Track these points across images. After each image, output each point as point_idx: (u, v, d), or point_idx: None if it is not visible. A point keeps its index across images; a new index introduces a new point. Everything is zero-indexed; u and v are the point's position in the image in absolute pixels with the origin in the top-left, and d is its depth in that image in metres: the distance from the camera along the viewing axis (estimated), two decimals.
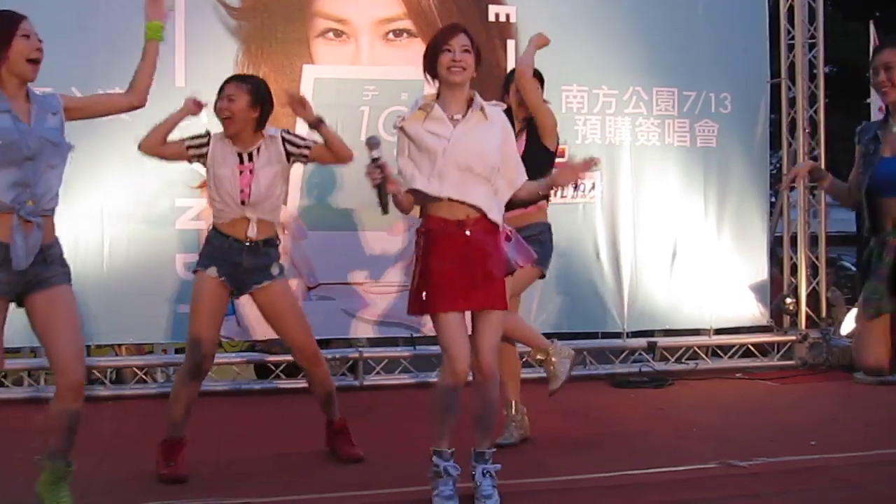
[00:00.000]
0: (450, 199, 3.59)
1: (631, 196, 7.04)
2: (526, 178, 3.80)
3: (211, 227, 4.46)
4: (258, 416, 5.89)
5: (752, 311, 7.44)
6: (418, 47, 6.62)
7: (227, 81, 4.50)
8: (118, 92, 3.80)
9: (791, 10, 7.56)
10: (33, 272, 3.37)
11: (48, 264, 3.45)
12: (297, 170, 6.42)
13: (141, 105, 3.84)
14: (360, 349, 6.76)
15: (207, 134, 4.42)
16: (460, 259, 3.58)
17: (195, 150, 4.40)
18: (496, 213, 3.68)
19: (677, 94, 7.15)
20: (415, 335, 6.67)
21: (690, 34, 7.18)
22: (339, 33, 6.56)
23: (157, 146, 4.41)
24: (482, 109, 3.68)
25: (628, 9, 7.05)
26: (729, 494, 4.04)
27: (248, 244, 4.34)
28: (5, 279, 3.30)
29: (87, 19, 6.17)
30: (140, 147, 4.41)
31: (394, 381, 6.69)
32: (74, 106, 3.67)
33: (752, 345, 7.50)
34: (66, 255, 6.02)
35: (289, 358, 6.50)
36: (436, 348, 6.64)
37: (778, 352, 7.56)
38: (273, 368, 6.63)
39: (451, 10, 6.73)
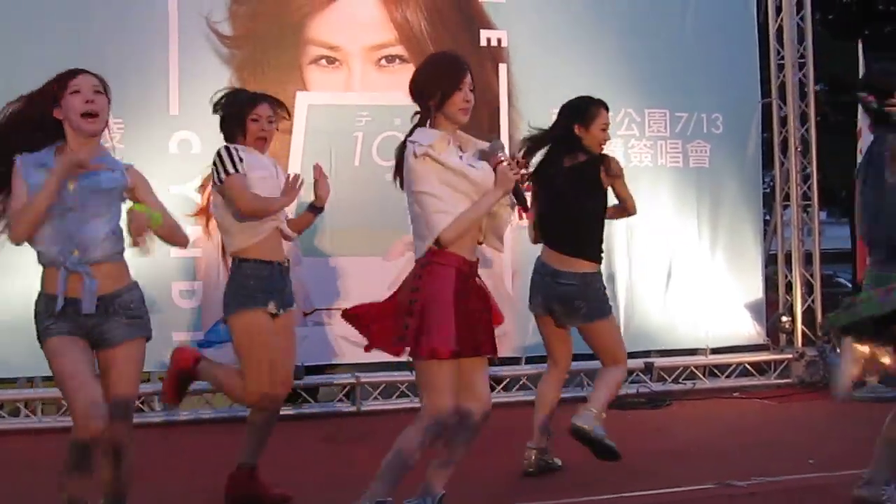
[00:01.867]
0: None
1: (624, 222, 7.05)
2: None
3: (241, 260, 4.28)
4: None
5: (748, 329, 7.45)
6: (410, 73, 6.66)
7: (258, 103, 4.45)
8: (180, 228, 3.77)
9: (780, 30, 7.63)
10: (92, 324, 3.31)
11: (109, 315, 3.37)
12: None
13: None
14: (358, 374, 6.75)
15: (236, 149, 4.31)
16: (480, 303, 3.46)
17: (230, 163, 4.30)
18: None
19: (669, 115, 7.20)
20: (411, 360, 6.64)
21: (681, 56, 7.23)
22: (331, 60, 6.60)
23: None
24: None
25: (618, 32, 7.10)
26: None
27: (286, 264, 4.33)
28: (66, 328, 3.27)
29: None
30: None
31: (392, 406, 6.67)
32: (140, 194, 3.57)
33: (749, 364, 7.50)
34: None
35: None
36: None
37: (775, 370, 7.57)
38: None
39: (443, 36, 6.77)
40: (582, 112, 4.87)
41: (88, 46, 6.15)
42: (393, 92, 6.62)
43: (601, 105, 4.91)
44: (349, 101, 6.58)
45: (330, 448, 5.65)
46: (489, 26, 6.89)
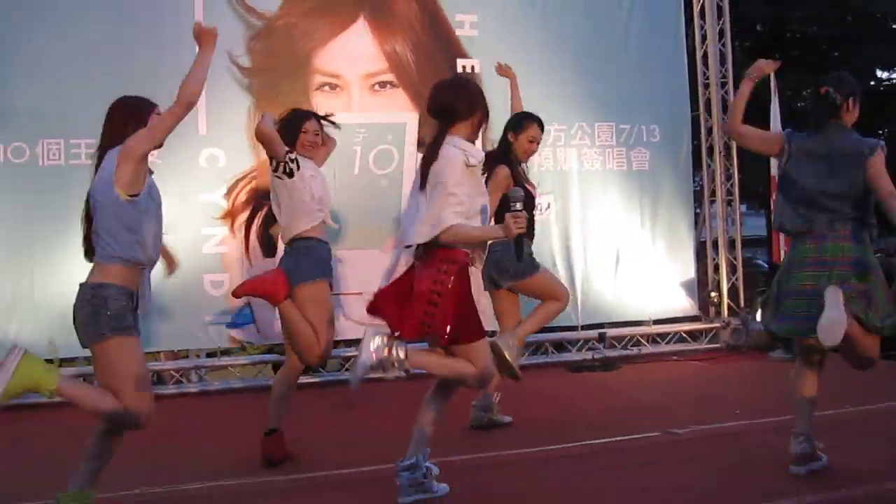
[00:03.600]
0: None
1: (580, 213, 7.08)
2: None
3: (302, 239, 4.16)
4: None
5: (683, 303, 7.48)
6: (399, 96, 6.68)
7: (308, 119, 4.46)
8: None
9: (706, 55, 7.63)
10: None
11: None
12: None
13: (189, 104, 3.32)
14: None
15: (293, 151, 4.22)
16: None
17: (291, 164, 4.14)
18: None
19: (615, 127, 7.19)
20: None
21: (625, 78, 7.23)
22: (333, 86, 6.57)
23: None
24: None
25: (572, 59, 7.09)
26: (670, 458, 4.06)
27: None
28: (133, 322, 3.09)
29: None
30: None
31: (390, 376, 6.63)
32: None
33: (685, 332, 7.53)
34: None
35: None
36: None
37: (706, 337, 7.60)
38: None
39: (426, 64, 6.75)
40: (516, 123, 4.81)
41: (132, 79, 6.07)
42: (385, 112, 6.64)
43: (534, 120, 4.79)
44: (349, 120, 6.51)
45: (337, 410, 5.65)
46: (464, 55, 6.87)
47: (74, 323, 3.07)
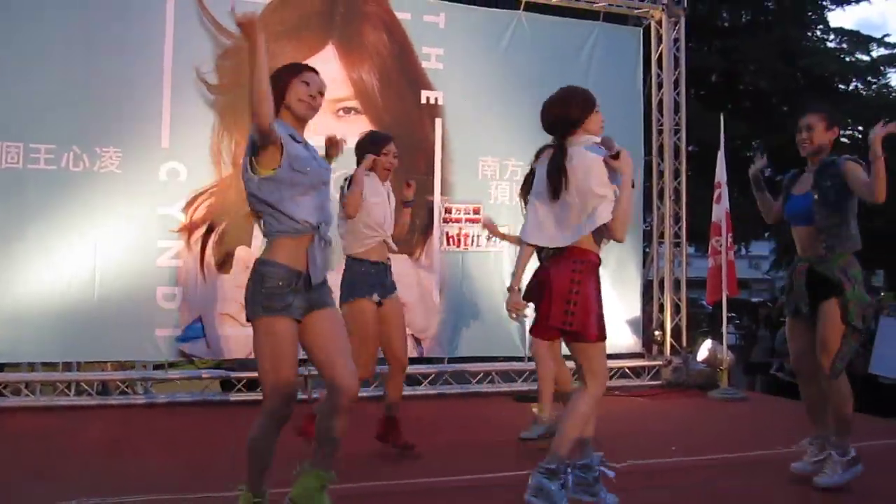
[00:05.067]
0: None
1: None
2: None
3: (353, 259, 4.39)
4: (222, 423, 5.81)
5: (628, 340, 7.59)
6: (363, 122, 6.74)
7: (389, 142, 4.56)
8: None
9: (661, 102, 7.83)
10: (316, 294, 2.99)
11: (324, 285, 3.05)
12: None
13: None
14: (310, 368, 6.71)
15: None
16: None
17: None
18: None
19: None
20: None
21: None
22: None
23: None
24: None
25: (531, 96, 7.09)
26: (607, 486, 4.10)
27: (389, 264, 4.42)
28: (300, 303, 2.92)
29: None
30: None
31: None
32: None
33: (628, 368, 7.63)
34: (59, 286, 5.98)
35: (249, 374, 6.47)
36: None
37: (648, 374, 7.71)
38: (236, 383, 6.55)
39: (391, 94, 6.84)
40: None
41: (96, 88, 6.08)
42: (348, 137, 6.66)
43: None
44: (312, 143, 6.57)
45: (284, 428, 5.59)
46: (429, 87, 6.97)
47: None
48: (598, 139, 3.46)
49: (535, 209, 3.56)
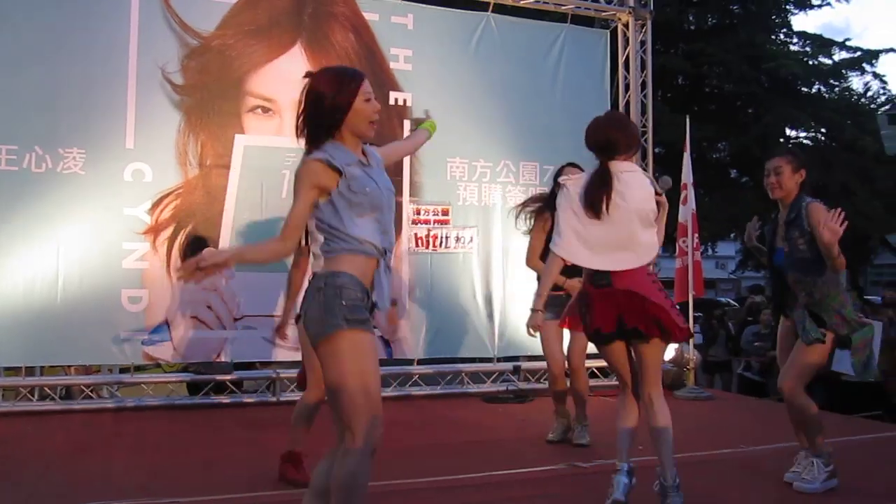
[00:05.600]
0: None
1: (501, 247, 7.17)
2: None
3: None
4: (189, 427, 5.76)
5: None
6: None
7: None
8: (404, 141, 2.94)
9: (628, 104, 7.89)
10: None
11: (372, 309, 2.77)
12: (228, 215, 6.38)
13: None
14: (278, 370, 6.69)
15: None
16: None
17: None
18: None
19: (539, 167, 7.36)
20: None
21: (550, 120, 7.41)
22: (266, 109, 6.56)
23: None
24: None
25: (500, 98, 7.25)
26: (572, 490, 4.14)
27: None
28: (367, 317, 2.64)
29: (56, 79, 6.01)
30: None
31: None
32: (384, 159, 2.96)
33: (597, 368, 7.66)
34: (22, 289, 5.89)
35: (216, 377, 6.42)
36: None
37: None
38: (203, 386, 6.49)
39: None
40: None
41: (60, 85, 5.99)
42: None
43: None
44: (279, 143, 6.54)
45: (252, 431, 5.58)
46: (397, 89, 6.97)
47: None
48: (646, 171, 3.76)
49: (576, 229, 3.60)
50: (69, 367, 6.46)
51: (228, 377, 6.49)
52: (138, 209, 6.17)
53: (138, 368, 6.41)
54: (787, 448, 4.86)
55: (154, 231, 6.22)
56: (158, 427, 5.62)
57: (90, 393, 6.25)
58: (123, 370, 6.39)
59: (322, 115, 2.76)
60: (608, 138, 3.58)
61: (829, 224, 3.70)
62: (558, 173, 4.92)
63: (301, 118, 2.83)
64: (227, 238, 6.36)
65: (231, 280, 6.37)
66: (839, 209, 3.74)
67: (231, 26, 6.49)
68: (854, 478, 4.20)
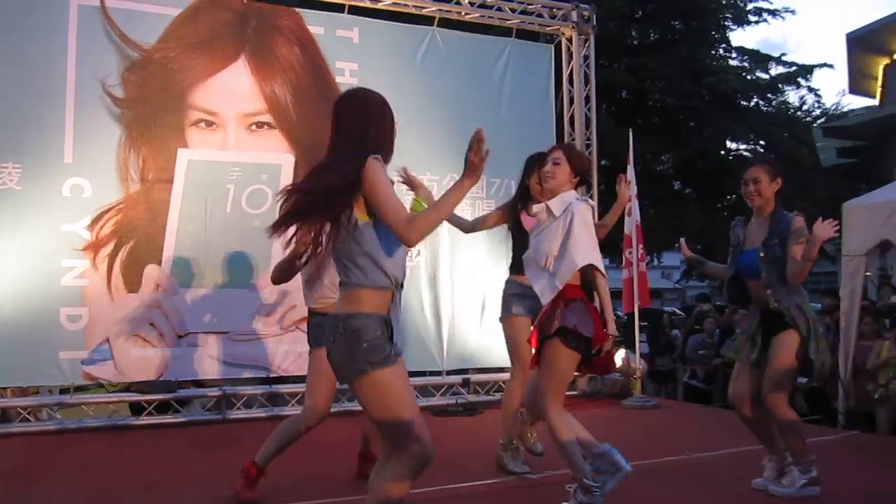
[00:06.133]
0: None
1: (448, 261, 7.19)
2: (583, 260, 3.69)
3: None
4: (132, 447, 5.62)
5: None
6: (276, 137, 6.67)
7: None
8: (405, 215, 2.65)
9: (572, 118, 8.00)
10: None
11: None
12: (172, 230, 6.27)
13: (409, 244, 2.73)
14: (224, 388, 6.59)
15: None
16: None
17: None
18: (545, 292, 3.74)
19: (485, 180, 7.39)
20: (270, 375, 6.55)
21: (495, 135, 7.36)
22: (209, 123, 6.48)
23: None
24: (549, 210, 3.81)
25: (448, 113, 7.27)
26: (521, 502, 4.15)
27: None
28: (392, 350, 2.67)
29: None
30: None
31: (252, 416, 6.53)
32: (368, 190, 2.67)
33: None
34: None
35: (159, 397, 6.28)
36: (288, 386, 6.59)
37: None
38: (146, 406, 6.34)
39: (306, 108, 6.78)
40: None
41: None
42: (261, 152, 6.60)
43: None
44: (223, 158, 6.47)
45: (198, 450, 5.48)
46: None
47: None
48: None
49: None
50: (6, 388, 6.26)
51: (173, 396, 6.36)
52: (77, 225, 6.04)
53: (79, 389, 6.24)
54: (733, 454, 4.98)
55: (94, 247, 6.08)
56: (100, 449, 5.48)
57: (28, 416, 6.07)
58: (63, 391, 6.21)
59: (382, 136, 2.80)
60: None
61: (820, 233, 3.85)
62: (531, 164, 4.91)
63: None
64: (170, 254, 6.25)
65: (175, 297, 6.26)
66: (834, 221, 3.88)
67: (173, 39, 6.40)
68: None
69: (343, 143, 2.76)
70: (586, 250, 3.67)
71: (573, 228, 3.68)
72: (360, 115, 2.79)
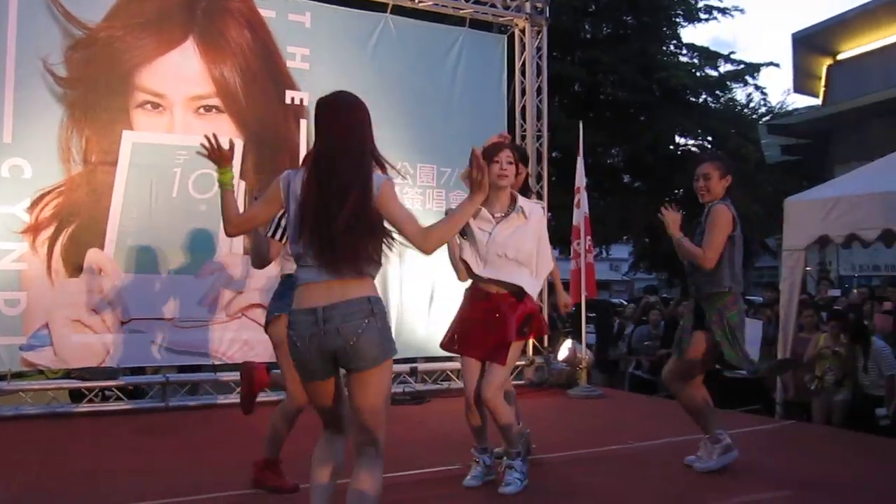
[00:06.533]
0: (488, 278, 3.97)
1: (397, 250, 7.08)
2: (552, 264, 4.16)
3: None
4: (71, 435, 5.51)
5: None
6: (225, 121, 6.57)
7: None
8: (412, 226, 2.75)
9: (524, 109, 8.03)
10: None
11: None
12: (115, 216, 6.14)
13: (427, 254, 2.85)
14: (167, 376, 6.49)
15: None
16: (481, 320, 4.01)
17: None
18: (531, 289, 4.01)
19: (436, 169, 7.40)
20: (215, 363, 6.48)
21: (447, 124, 7.46)
22: (156, 105, 6.35)
23: None
24: (522, 211, 3.99)
25: (400, 101, 7.24)
26: (464, 490, 4.15)
27: None
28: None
29: None
30: None
31: (195, 403, 6.45)
32: (384, 204, 2.75)
33: None
34: None
35: (100, 383, 6.17)
36: (232, 374, 6.53)
37: (511, 373, 7.86)
38: (86, 393, 6.22)
39: (255, 93, 6.69)
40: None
41: None
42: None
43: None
44: (170, 141, 6.35)
45: (141, 438, 5.39)
46: (294, 88, 6.86)
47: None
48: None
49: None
50: None
51: (114, 383, 6.24)
52: (16, 207, 5.88)
53: (16, 375, 6.09)
54: (675, 443, 5.08)
55: (33, 230, 5.93)
56: (38, 437, 5.35)
57: None
58: (0, 377, 6.05)
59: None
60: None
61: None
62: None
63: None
64: (112, 238, 6.13)
65: (117, 282, 6.14)
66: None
67: (119, 18, 6.25)
68: (738, 468, 4.40)
69: (346, 149, 2.78)
70: (550, 254, 4.11)
71: (543, 233, 4.06)
72: (358, 122, 2.88)
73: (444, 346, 4.21)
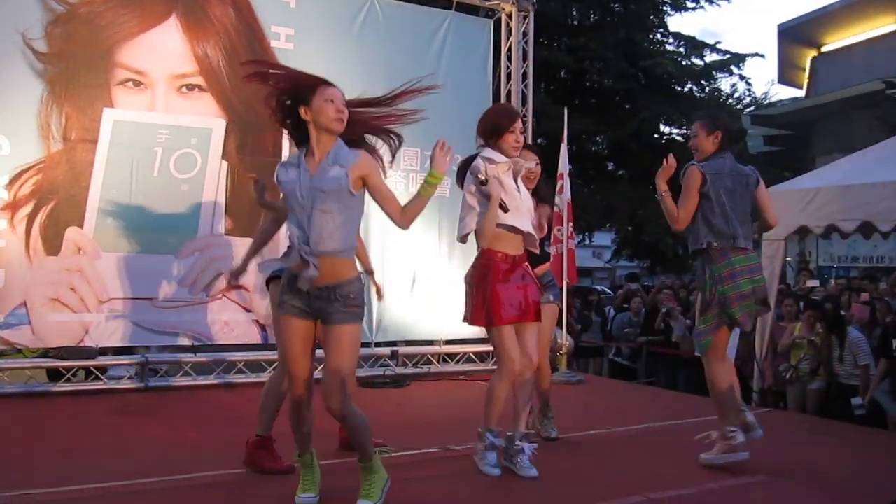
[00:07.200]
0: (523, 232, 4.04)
1: (380, 234, 7.11)
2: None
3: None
4: (49, 414, 5.48)
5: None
6: (208, 100, 6.51)
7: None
8: (397, 203, 3.50)
9: (509, 94, 8.01)
10: (318, 305, 3.24)
11: (331, 301, 3.23)
12: (95, 193, 6.09)
13: (402, 228, 3.57)
14: (147, 356, 6.47)
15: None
16: (513, 285, 4.05)
17: None
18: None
19: (420, 153, 7.36)
20: (194, 343, 6.45)
21: (433, 108, 7.23)
22: (137, 83, 6.29)
23: None
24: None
25: (383, 81, 7.02)
26: (445, 472, 4.19)
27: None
28: (297, 303, 3.26)
29: None
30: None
31: (175, 384, 6.43)
32: (372, 182, 3.44)
33: (473, 353, 7.79)
34: None
35: (78, 363, 6.13)
36: (211, 355, 6.51)
37: (492, 358, 7.88)
38: (64, 372, 6.18)
39: (238, 72, 6.59)
40: None
41: None
42: (191, 115, 6.44)
43: None
44: (151, 119, 6.29)
45: (120, 418, 5.37)
46: None
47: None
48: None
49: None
50: None
51: (93, 363, 6.21)
52: None
53: None
54: (652, 428, 5.13)
55: (12, 207, 5.87)
56: (15, 416, 5.33)
57: None
58: None
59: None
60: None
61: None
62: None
63: None
64: (92, 216, 6.08)
65: (97, 261, 6.09)
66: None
67: None
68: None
69: None
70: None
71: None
72: None
73: (472, 321, 4.18)
